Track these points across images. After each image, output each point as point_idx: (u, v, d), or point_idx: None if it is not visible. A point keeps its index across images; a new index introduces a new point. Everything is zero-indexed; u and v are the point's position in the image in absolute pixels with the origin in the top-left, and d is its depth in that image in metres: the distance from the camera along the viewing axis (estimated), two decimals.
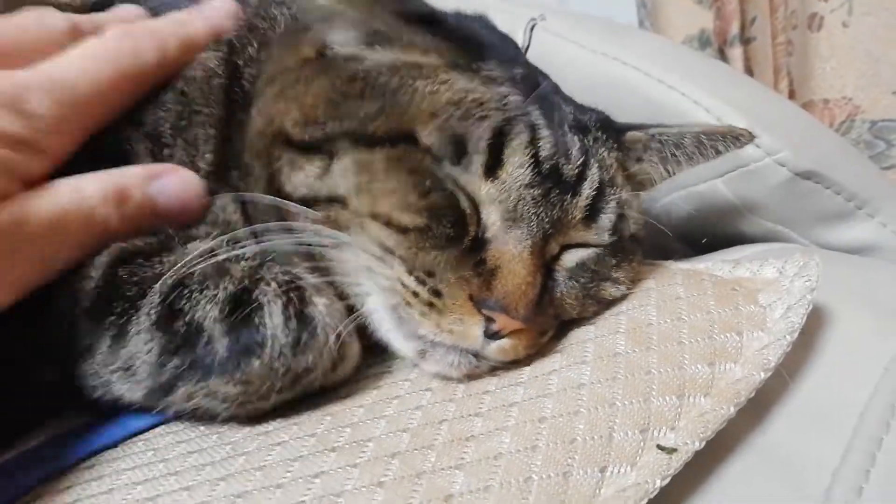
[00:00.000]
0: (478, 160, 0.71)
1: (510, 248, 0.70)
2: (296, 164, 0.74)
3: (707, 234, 1.05)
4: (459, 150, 0.71)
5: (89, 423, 0.69)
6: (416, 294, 0.69)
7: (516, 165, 0.71)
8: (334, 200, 0.72)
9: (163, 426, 0.69)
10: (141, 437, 0.68)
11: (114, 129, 0.80)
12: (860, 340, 0.72)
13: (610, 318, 0.73)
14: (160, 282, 0.66)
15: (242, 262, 0.68)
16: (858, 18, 2.12)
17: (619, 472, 0.54)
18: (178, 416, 0.68)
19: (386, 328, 0.73)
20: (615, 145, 0.81)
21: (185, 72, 0.85)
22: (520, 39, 1.15)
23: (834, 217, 1.04)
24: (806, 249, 1.00)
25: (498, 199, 0.71)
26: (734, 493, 0.60)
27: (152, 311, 0.65)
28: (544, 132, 0.73)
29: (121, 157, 0.79)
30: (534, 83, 0.80)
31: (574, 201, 0.74)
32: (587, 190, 0.75)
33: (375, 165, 0.71)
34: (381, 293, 0.71)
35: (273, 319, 0.64)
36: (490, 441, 0.58)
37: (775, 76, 2.27)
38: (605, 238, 0.77)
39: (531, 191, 0.71)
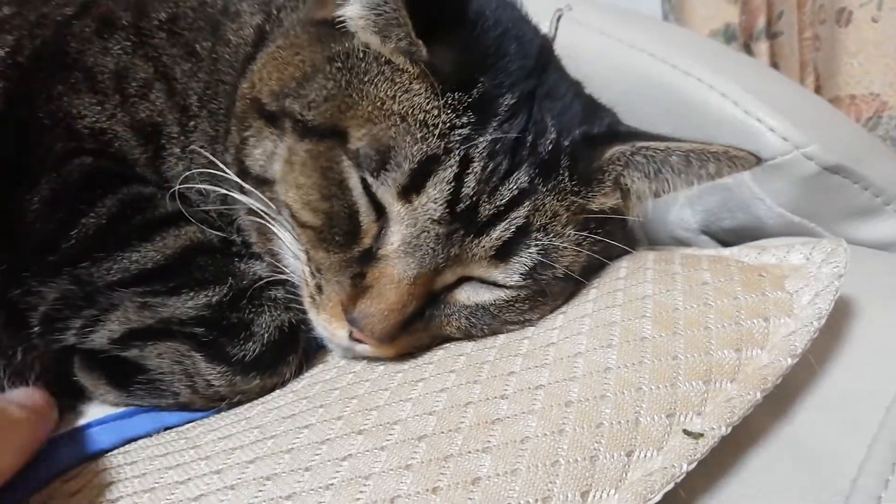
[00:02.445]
0: (397, 179, 0.68)
1: (394, 272, 0.69)
2: (262, 134, 0.75)
3: (732, 227, 1.04)
4: (383, 163, 0.68)
5: (119, 416, 0.71)
6: (307, 283, 0.73)
7: (431, 199, 0.69)
8: (270, 182, 0.75)
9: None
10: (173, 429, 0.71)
11: (147, 96, 0.81)
12: (887, 333, 0.71)
13: (636, 301, 0.72)
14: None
15: None
16: (888, 13, 2.08)
17: (645, 456, 0.54)
18: None
19: None
20: (576, 188, 0.75)
21: (225, 34, 0.85)
22: (546, 29, 1.15)
23: (861, 212, 1.02)
24: (833, 237, 0.99)
25: (405, 223, 0.69)
26: (759, 482, 0.60)
27: None
28: (477, 168, 0.70)
29: (153, 130, 0.81)
30: (531, 104, 0.74)
31: (477, 242, 0.71)
32: (499, 232, 0.71)
33: (297, 157, 0.72)
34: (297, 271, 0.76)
35: None
36: (516, 424, 0.58)
37: (801, 71, 2.25)
38: (514, 280, 0.73)
39: (437, 227, 0.69)
